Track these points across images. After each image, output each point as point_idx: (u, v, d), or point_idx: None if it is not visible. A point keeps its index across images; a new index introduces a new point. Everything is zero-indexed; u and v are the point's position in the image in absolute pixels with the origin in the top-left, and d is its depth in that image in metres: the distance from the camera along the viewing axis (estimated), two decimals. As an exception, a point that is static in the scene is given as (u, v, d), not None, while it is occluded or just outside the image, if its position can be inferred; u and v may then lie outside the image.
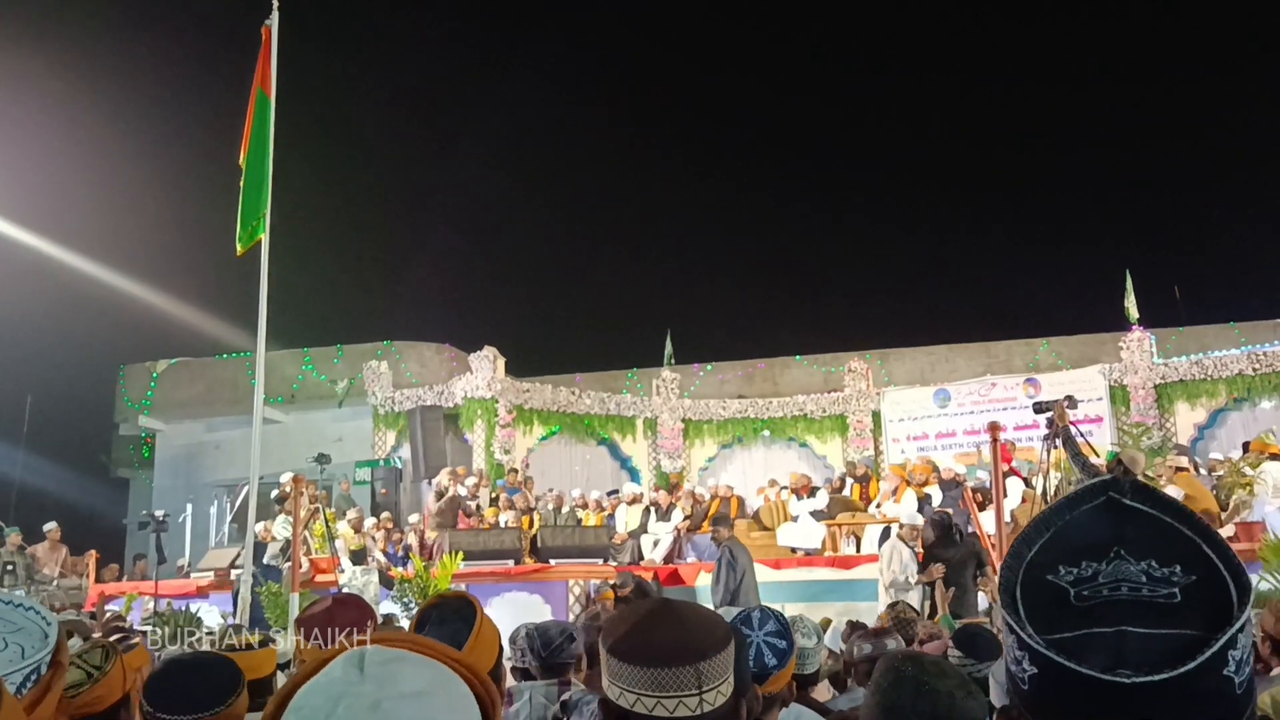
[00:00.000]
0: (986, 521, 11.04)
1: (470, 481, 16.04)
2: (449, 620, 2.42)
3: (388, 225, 35.22)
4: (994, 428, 7.70)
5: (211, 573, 13.69)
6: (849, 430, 20.03)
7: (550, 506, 15.77)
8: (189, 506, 17.06)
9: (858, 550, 13.20)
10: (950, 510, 10.40)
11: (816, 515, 14.05)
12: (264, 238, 9.65)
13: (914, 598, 9.39)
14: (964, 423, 19.04)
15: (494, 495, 16.28)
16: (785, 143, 37.16)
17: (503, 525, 14.54)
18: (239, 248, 9.75)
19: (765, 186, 37.07)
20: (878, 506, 13.77)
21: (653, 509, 15.33)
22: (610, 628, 1.65)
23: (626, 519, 15.30)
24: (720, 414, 20.57)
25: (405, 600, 10.46)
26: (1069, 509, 1.02)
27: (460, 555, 11.10)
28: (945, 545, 9.74)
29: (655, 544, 14.60)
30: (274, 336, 11.83)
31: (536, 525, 14.83)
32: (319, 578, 12.17)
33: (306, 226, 28.65)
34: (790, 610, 9.07)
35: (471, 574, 12.02)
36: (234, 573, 13.08)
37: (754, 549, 14.05)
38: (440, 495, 14.37)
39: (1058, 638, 0.94)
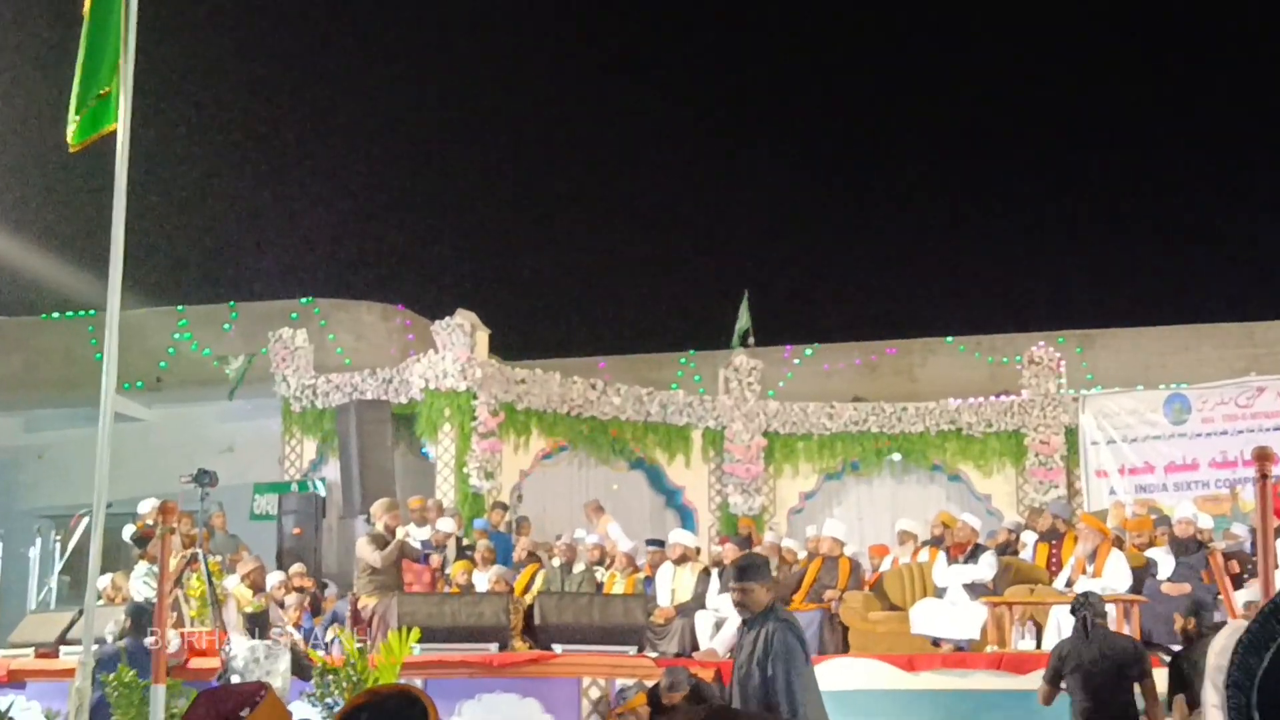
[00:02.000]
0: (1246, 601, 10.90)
1: (445, 525, 16.07)
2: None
3: (313, 122, 35.46)
4: (1262, 457, 7.58)
5: (31, 650, 13.83)
6: (1027, 455, 19.94)
7: (556, 561, 15.79)
8: (-4, 546, 17.27)
9: (1038, 645, 13.07)
10: (1191, 586, 10.31)
11: (974, 589, 13.97)
12: (118, 128, 9.66)
13: None
14: (1212, 447, 18.81)
15: (467, 543, 16.31)
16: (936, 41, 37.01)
17: (480, 589, 14.50)
18: (71, 139, 9.76)
19: (902, 92, 36.95)
20: (1068, 584, 13.66)
21: (715, 571, 15.30)
22: None
23: (674, 585, 15.26)
24: (824, 425, 20.49)
25: (329, 700, 10.50)
26: None
27: (415, 633, 11.12)
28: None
29: (718, 626, 14.58)
30: (133, 287, 11.93)
31: (534, 590, 14.83)
32: (195, 661, 12.24)
33: (187, 120, 28.92)
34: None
35: (431, 663, 11.99)
36: (66, 651, 13.20)
37: (876, 637, 14.02)
38: (380, 542, 14.42)
39: None
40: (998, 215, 35.48)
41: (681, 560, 15.51)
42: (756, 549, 16.69)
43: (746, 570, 8.00)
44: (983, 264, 33.32)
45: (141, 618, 11.88)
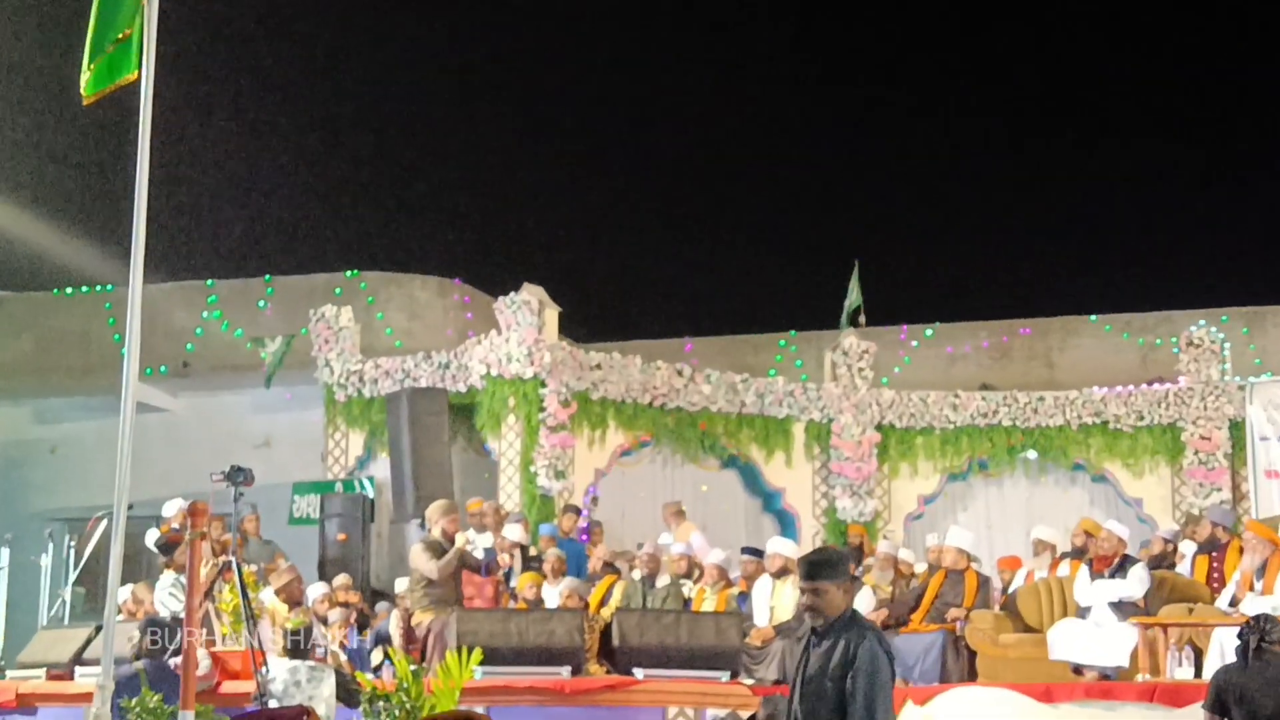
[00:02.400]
0: None
1: (512, 533, 16.10)
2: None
3: (359, 78, 35.64)
4: None
5: (42, 671, 14.02)
6: (1185, 453, 19.76)
7: (637, 574, 15.81)
8: (3, 552, 17.52)
9: (1197, 673, 12.93)
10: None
11: (1122, 609, 13.85)
12: (141, 77, 9.73)
13: None
14: None
15: (534, 553, 16.37)
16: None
17: (550, 605, 14.57)
18: (85, 89, 9.82)
19: (1039, 37, 36.63)
20: (1232, 603, 13.52)
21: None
22: None
23: (773, 602, 15.25)
24: (947, 418, 20.39)
25: (381, 729, 10.57)
26: None
27: (476, 655, 11.19)
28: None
29: (824, 648, 14.56)
30: (157, 260, 12.07)
31: (612, 605, 14.87)
32: (227, 685, 12.36)
33: (218, 72, 29.16)
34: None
35: (495, 689, 12.05)
36: (82, 672, 13.37)
37: (1008, 663, 13.90)
38: (437, 550, 14.51)
39: None
40: (1148, 174, 35.02)
41: (781, 573, 15.44)
42: (868, 560, 16.63)
43: (819, 566, 7.30)
44: (1132, 231, 32.98)
45: (162, 634, 12.00)
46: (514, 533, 16.36)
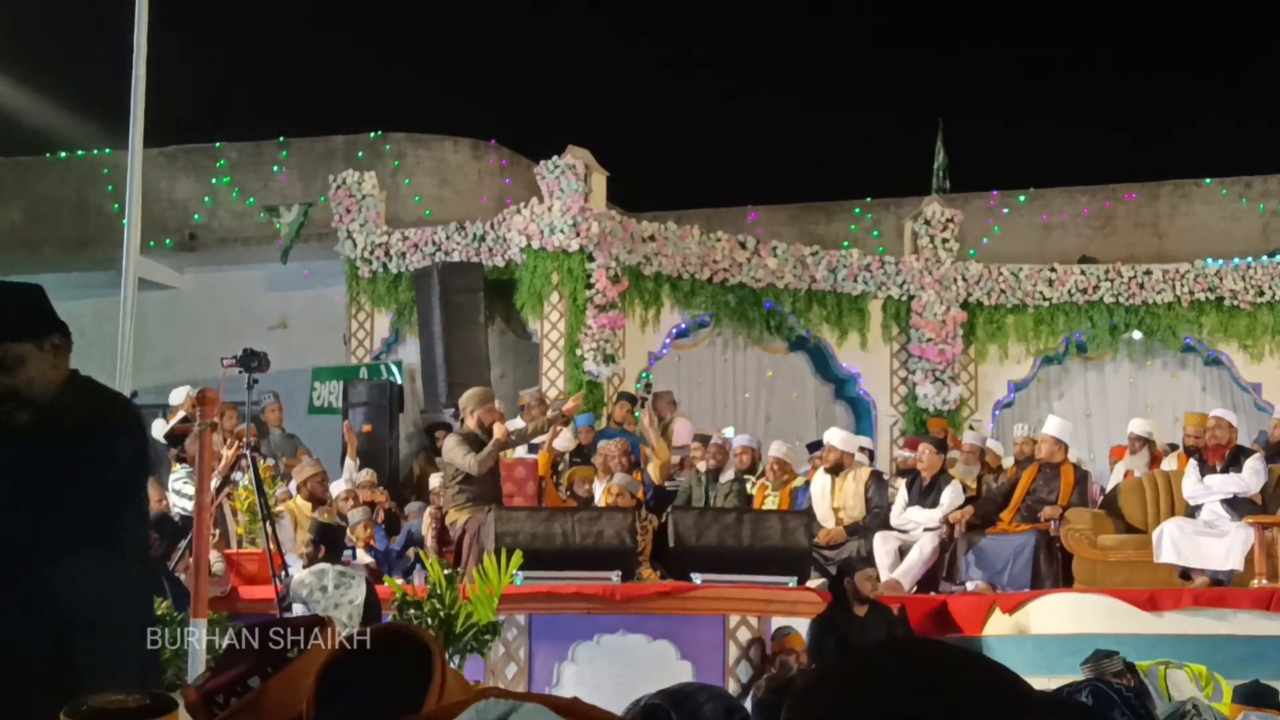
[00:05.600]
0: None
1: (562, 443, 16.11)
2: (374, 674, 2.48)
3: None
4: None
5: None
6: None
7: (702, 466, 15.87)
8: (-2, 445, 17.79)
9: (1321, 579, 12.99)
10: None
11: (1237, 506, 13.86)
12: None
13: None
14: None
15: (581, 442, 16.45)
16: None
17: (599, 502, 14.69)
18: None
19: None
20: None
21: (897, 481, 15.31)
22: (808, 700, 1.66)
23: (836, 502, 15.31)
24: (1041, 294, 20.31)
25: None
26: None
27: (516, 558, 11.28)
28: None
29: (900, 552, 14.64)
30: (160, 120, 12.07)
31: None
32: (245, 590, 12.50)
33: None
34: (1177, 688, 8.95)
35: (537, 595, 12.15)
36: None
37: (1108, 567, 13.95)
38: (474, 442, 14.59)
39: None
40: (1267, 13, 34.57)
41: (836, 469, 15.39)
42: (952, 453, 16.65)
43: None
44: (1252, 81, 32.55)
45: (167, 534, 12.14)
46: (564, 442, 16.26)
